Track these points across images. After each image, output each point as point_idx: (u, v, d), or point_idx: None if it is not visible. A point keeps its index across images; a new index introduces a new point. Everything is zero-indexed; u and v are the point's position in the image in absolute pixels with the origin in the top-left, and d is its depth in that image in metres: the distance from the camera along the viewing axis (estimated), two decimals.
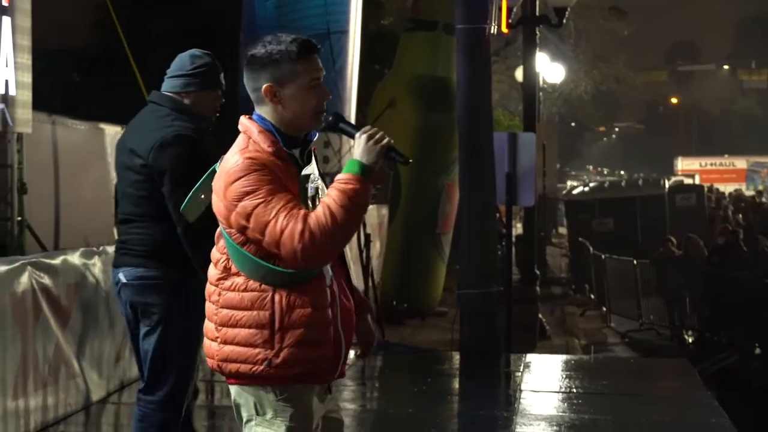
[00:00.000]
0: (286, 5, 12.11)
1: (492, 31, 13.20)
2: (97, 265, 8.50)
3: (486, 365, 11.12)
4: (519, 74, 22.71)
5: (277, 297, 3.82)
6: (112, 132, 14.35)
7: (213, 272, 3.96)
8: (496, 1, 15.51)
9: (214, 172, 3.99)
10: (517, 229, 26.21)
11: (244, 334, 3.84)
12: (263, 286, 3.83)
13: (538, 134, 16.46)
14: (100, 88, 15.81)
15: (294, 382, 3.88)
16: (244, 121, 3.97)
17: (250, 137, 3.90)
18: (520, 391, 9.70)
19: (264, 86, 3.90)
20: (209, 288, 3.97)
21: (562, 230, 38.81)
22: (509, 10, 16.99)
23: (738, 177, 56.01)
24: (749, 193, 45.57)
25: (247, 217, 3.76)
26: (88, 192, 13.23)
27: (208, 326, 3.97)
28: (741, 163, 57.80)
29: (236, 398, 3.98)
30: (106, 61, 15.14)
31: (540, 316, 17.12)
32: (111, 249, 8.28)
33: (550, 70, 28.99)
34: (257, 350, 3.83)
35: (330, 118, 4.01)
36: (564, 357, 12.88)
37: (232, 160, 3.84)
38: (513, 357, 11.52)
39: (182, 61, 5.78)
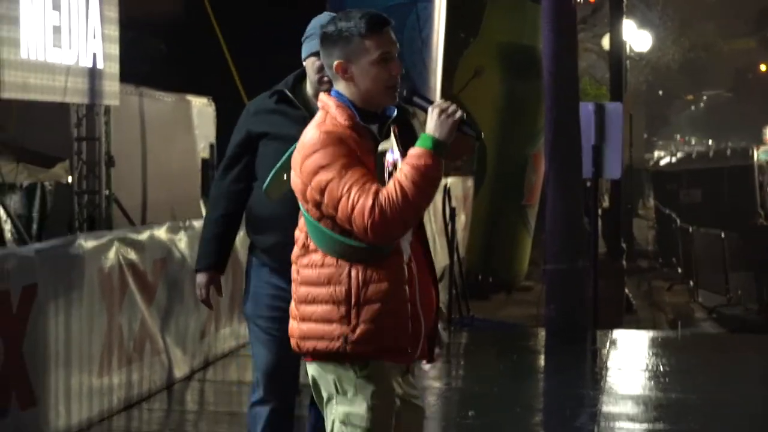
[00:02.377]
0: None
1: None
2: (183, 240, 8.49)
3: (572, 342, 11.01)
4: (606, 42, 22.47)
5: (353, 272, 3.79)
6: (199, 104, 14.41)
7: (294, 251, 3.94)
8: None
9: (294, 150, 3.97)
10: (604, 201, 26.00)
11: (321, 311, 3.82)
12: (340, 261, 3.80)
13: (625, 104, 16.24)
14: (187, 59, 15.88)
15: (372, 359, 3.83)
16: (322, 98, 3.96)
17: (327, 112, 3.89)
18: (606, 368, 9.60)
19: (336, 63, 3.89)
20: (292, 268, 3.95)
21: (650, 202, 38.40)
22: None
23: None
24: None
25: (321, 191, 3.74)
26: (175, 165, 13.30)
27: (291, 306, 3.96)
28: None
29: (315, 377, 3.95)
30: (193, 32, 15.19)
31: (626, 290, 16.97)
32: (197, 224, 8.30)
33: (637, 37, 28.64)
34: (333, 326, 3.80)
35: (404, 93, 3.96)
36: (650, 333, 12.76)
37: (309, 134, 3.83)
38: (599, 333, 11.39)
39: None
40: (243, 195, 5.14)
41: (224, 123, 13.22)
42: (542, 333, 11.63)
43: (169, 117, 13.50)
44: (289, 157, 4.00)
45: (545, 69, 11.64)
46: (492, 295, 17.00)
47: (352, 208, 3.69)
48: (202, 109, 14.42)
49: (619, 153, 12.77)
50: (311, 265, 3.85)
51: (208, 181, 13.22)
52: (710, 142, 68.99)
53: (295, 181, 3.86)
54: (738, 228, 21.80)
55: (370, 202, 3.67)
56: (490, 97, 17.72)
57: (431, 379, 9.04)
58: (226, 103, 13.00)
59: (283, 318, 4.37)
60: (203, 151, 14.31)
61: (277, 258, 4.94)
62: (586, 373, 9.98)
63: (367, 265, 3.79)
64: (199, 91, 14.38)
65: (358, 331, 3.78)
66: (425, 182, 3.72)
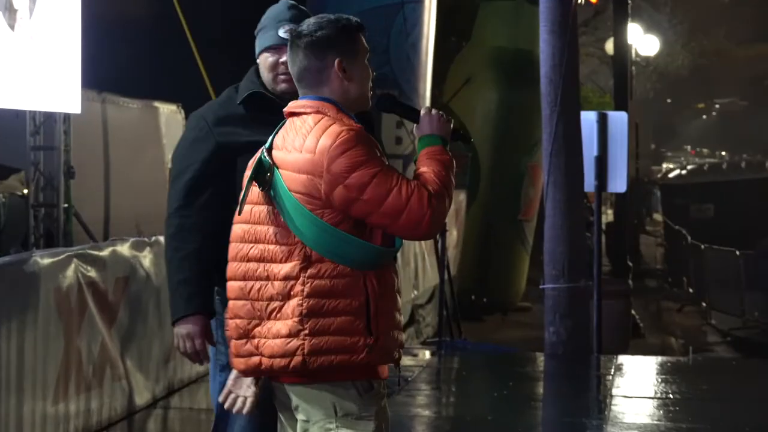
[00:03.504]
0: None
1: (579, 1, 13.02)
2: (148, 257, 8.47)
3: (573, 367, 11.03)
4: (609, 47, 22.53)
5: (368, 281, 3.93)
6: (167, 111, 14.37)
7: (289, 266, 3.96)
8: None
9: (262, 163, 4.02)
10: (608, 216, 25.99)
11: (340, 322, 3.91)
12: (353, 270, 3.92)
13: (631, 112, 16.28)
14: (154, 63, 15.86)
15: (379, 375, 3.99)
16: (310, 102, 4.05)
17: (326, 114, 4.00)
18: (611, 396, 9.58)
19: (336, 60, 4.02)
20: (282, 285, 3.97)
21: (658, 217, 38.52)
22: None
23: None
24: None
25: (363, 188, 3.85)
26: (141, 176, 13.26)
27: (284, 323, 3.95)
28: None
29: (303, 400, 4.01)
30: (161, 34, 15.17)
31: (633, 312, 16.97)
32: (163, 239, 8.24)
33: (643, 42, 28.73)
34: (356, 338, 3.90)
35: (383, 100, 4.19)
36: (659, 358, 12.74)
37: (330, 133, 3.90)
38: (603, 358, 11.40)
39: None
40: (217, 225, 4.63)
41: None
42: (541, 358, 11.63)
43: (135, 125, 13.47)
44: (259, 168, 4.03)
45: (543, 75, 11.64)
46: (486, 316, 17.00)
47: (408, 198, 3.86)
48: (170, 116, 14.39)
49: (624, 165, 12.78)
50: (322, 276, 3.93)
51: None
52: (723, 153, 69.25)
53: (310, 184, 3.91)
54: (754, 245, 21.88)
55: (426, 192, 3.88)
56: (483, 106, 17.74)
57: (419, 407, 9.02)
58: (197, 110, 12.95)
59: None
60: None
61: None
62: (589, 401, 9.97)
63: (377, 273, 3.96)
64: (167, 98, 14.34)
65: (380, 341, 3.93)
66: (451, 175, 4.00)
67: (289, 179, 3.95)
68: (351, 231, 3.91)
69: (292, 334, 3.94)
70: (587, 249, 12.39)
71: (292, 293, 3.96)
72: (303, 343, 3.92)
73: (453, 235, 15.84)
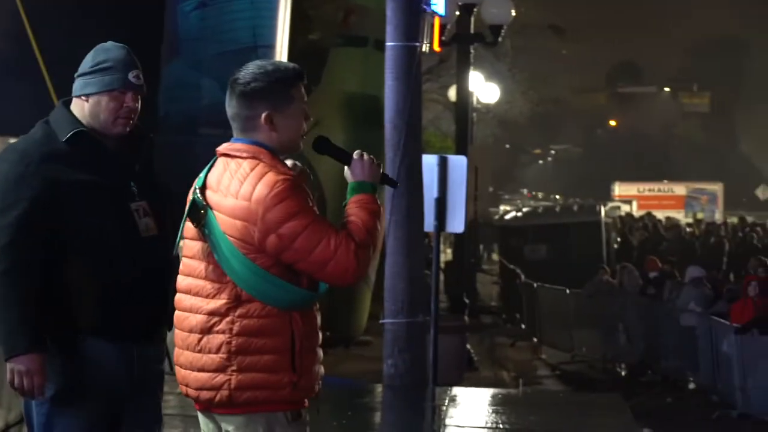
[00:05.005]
0: (211, 17, 12.09)
1: (424, 50, 13.27)
2: None
3: (410, 398, 11.15)
4: (452, 93, 22.83)
5: (294, 321, 4.06)
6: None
7: (218, 303, 4.08)
8: (429, 18, 15.62)
9: (195, 202, 4.12)
10: (447, 255, 26.26)
11: (266, 360, 4.03)
12: (280, 311, 4.04)
13: (471, 157, 16.57)
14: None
15: (304, 405, 4.15)
16: (245, 147, 4.14)
17: (261, 160, 4.10)
18: (445, 426, 9.75)
19: (264, 114, 4.12)
20: (207, 319, 4.08)
21: (495, 256, 39.03)
22: (442, 27, 17.10)
23: (677, 203, 56.49)
24: (687, 219, 46.11)
25: (293, 238, 3.96)
26: None
27: (210, 358, 4.07)
28: (680, 189, 58.31)
29: (234, 426, 4.12)
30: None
31: (468, 346, 17.20)
32: None
33: (484, 89, 29.14)
34: (281, 375, 4.03)
35: (318, 143, 4.30)
36: (492, 390, 12.95)
37: (265, 182, 4.00)
38: (438, 390, 11.55)
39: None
40: (50, 263, 4.53)
41: None
42: (380, 388, 11.74)
43: None
44: (192, 207, 4.16)
45: (387, 119, 11.79)
46: (329, 349, 17.07)
47: (335, 249, 3.97)
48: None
49: (462, 206, 12.98)
50: (251, 316, 4.04)
51: None
52: (557, 197, 70.38)
53: (245, 230, 4.00)
54: (583, 284, 22.28)
55: (353, 244, 3.98)
56: None
57: None
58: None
59: None
60: None
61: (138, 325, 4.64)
62: (424, 431, 10.12)
63: (302, 314, 4.09)
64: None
65: (303, 377, 4.08)
66: (378, 224, 4.10)
67: (224, 223, 4.03)
68: (281, 275, 4.02)
69: (219, 369, 4.05)
70: (426, 286, 12.58)
71: (214, 329, 4.06)
72: (230, 379, 4.03)
73: None
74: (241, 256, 4.01)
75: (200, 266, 4.12)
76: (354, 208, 4.11)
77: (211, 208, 4.07)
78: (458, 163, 12.98)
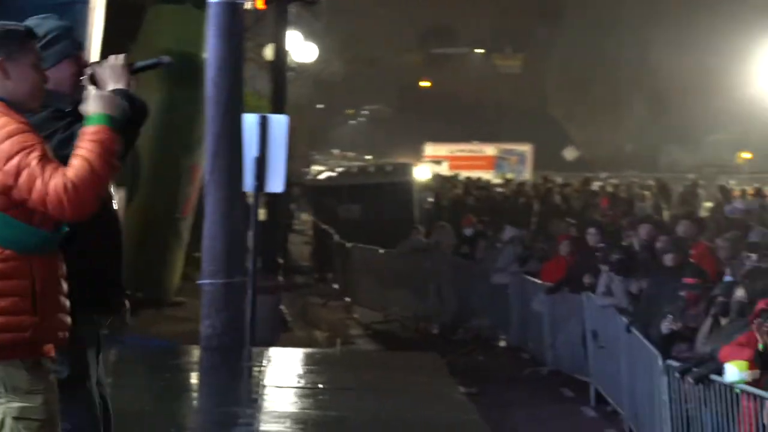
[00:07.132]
0: None
1: (247, 7, 13.20)
2: None
3: (228, 359, 11.13)
4: (269, 52, 22.70)
5: (35, 265, 4.06)
6: None
7: None
8: None
9: None
10: (260, 215, 26.17)
11: (7, 303, 4.03)
12: (20, 255, 4.04)
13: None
14: None
15: (44, 354, 4.12)
16: None
17: None
18: (263, 386, 9.81)
19: None
20: None
21: (306, 216, 39.03)
22: None
23: (487, 164, 57.14)
24: (497, 180, 46.75)
25: (16, 174, 3.99)
26: None
27: None
28: (491, 150, 58.96)
29: None
30: None
31: (282, 306, 17.24)
32: None
33: (302, 49, 29.05)
34: (22, 317, 4.03)
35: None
36: (307, 351, 13.04)
37: None
38: (255, 351, 11.57)
39: None
40: None
41: None
42: (197, 350, 11.69)
43: None
44: None
45: (209, 78, 11.73)
46: (142, 311, 16.91)
47: (48, 186, 3.98)
48: None
49: (282, 166, 12.95)
50: None
51: None
52: (369, 157, 70.57)
53: None
54: (396, 244, 22.42)
55: (67, 179, 3.99)
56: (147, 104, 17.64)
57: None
58: None
59: None
60: None
61: None
62: (242, 392, 10.14)
63: (44, 258, 4.09)
64: None
65: (43, 322, 4.07)
66: (107, 156, 4.10)
67: None
68: (19, 217, 4.04)
69: None
70: (245, 247, 12.53)
71: None
72: None
73: None
74: None
75: None
76: (84, 140, 4.16)
77: None
78: (279, 122, 12.95)
